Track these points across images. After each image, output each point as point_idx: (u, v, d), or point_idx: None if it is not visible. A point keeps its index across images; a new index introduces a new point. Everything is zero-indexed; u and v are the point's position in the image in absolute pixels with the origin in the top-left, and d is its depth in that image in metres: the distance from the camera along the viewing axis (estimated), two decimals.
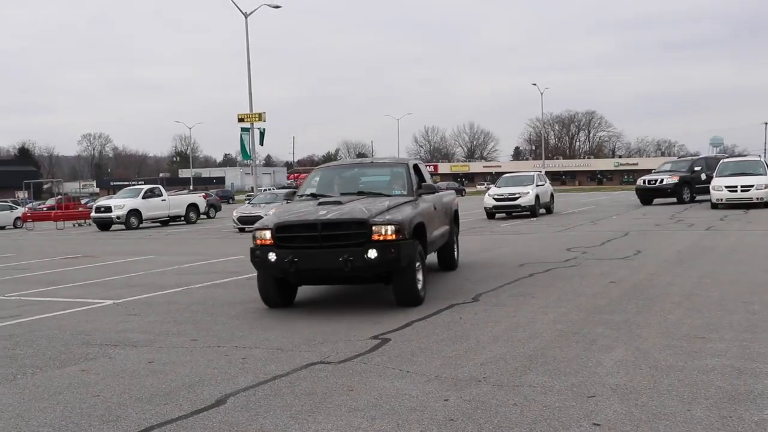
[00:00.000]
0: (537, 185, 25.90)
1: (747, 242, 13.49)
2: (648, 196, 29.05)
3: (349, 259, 7.50)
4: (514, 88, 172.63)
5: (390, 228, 7.66)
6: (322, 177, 10.14)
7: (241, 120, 36.03)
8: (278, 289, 8.32)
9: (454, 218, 11.49)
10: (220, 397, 5.00)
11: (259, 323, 7.66)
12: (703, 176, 28.12)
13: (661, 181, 28.51)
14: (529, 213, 25.12)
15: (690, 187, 28.32)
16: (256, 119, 35.87)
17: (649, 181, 29.16)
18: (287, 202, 10.09)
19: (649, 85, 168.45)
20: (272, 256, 7.82)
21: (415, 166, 10.13)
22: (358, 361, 5.78)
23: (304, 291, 9.73)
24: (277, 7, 36.14)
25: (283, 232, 7.90)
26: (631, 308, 7.46)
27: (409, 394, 4.85)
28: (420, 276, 8.16)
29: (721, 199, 23.78)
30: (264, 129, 36.26)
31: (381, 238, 7.61)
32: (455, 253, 11.36)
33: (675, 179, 28.18)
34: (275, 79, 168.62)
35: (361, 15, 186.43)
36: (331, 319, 7.62)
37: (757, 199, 23.35)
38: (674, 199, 28.24)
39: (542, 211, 26.29)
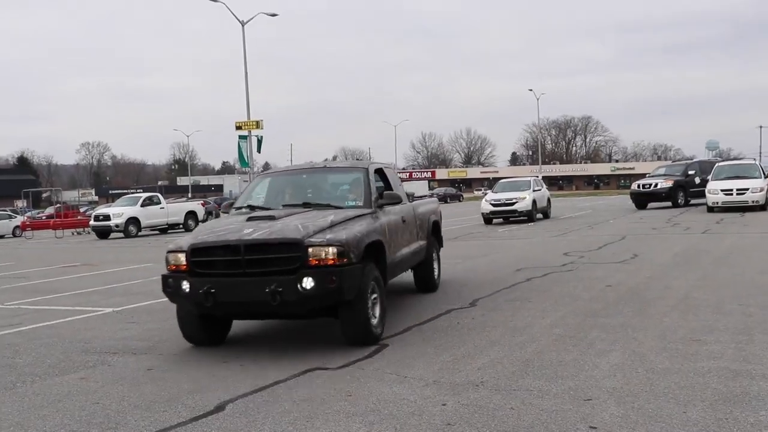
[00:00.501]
0: (534, 190, 25.96)
1: (743, 245, 13.55)
2: (642, 200, 29.09)
3: (277, 291, 6.04)
4: (510, 93, 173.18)
5: (331, 250, 6.18)
6: (265, 185, 8.68)
7: (238, 128, 36.12)
8: (203, 324, 6.87)
9: (433, 231, 9.98)
10: (219, 403, 5.02)
11: (258, 329, 7.68)
12: (697, 180, 28.27)
13: (656, 185, 28.55)
14: (526, 218, 25.18)
15: (684, 191, 28.41)
16: (254, 127, 35.96)
17: (644, 186, 29.19)
18: (216, 216, 9.14)
19: (645, 90, 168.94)
20: (186, 286, 6.40)
21: (379, 171, 8.68)
22: (357, 367, 5.81)
23: None
24: (273, 15, 36.34)
25: (200, 255, 6.47)
26: (627, 312, 7.50)
27: (407, 399, 4.88)
28: (376, 308, 6.72)
29: (717, 203, 23.89)
30: (261, 136, 36.38)
31: (319, 262, 6.15)
32: (435, 271, 9.84)
33: (669, 183, 28.23)
34: (273, 87, 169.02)
35: (358, 22, 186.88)
36: (330, 325, 7.62)
37: (753, 202, 23.45)
38: (669, 203, 28.31)
39: (539, 216, 26.30)
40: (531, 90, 75.13)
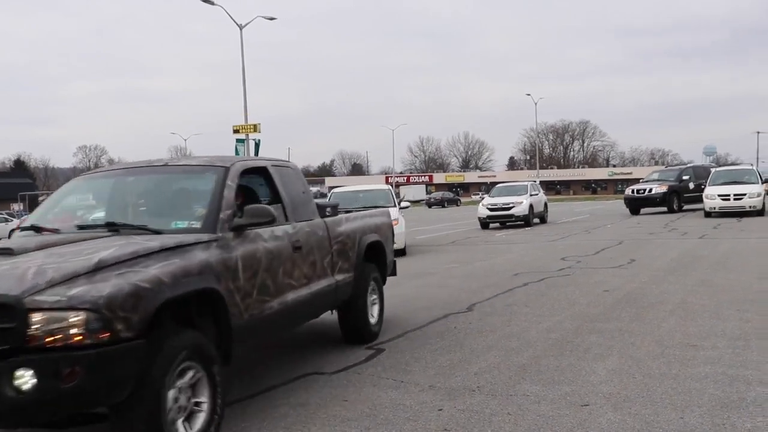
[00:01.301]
0: (531, 195, 25.89)
1: (740, 250, 13.56)
2: (637, 205, 29.06)
3: None
4: (509, 97, 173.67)
5: (73, 317, 3.49)
6: (75, 193, 5.91)
7: (236, 131, 36.04)
8: None
9: (370, 256, 7.07)
10: None
11: None
12: (692, 185, 28.23)
13: (650, 190, 28.46)
14: (523, 223, 25.14)
15: (678, 196, 28.33)
16: (252, 130, 35.90)
17: (638, 191, 29.16)
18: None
19: (642, 95, 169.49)
20: None
21: (259, 173, 5.84)
22: (353, 372, 5.79)
23: None
24: (272, 18, 36.31)
25: None
26: (624, 317, 7.49)
27: (403, 404, 4.86)
28: (197, 411, 4.08)
29: (714, 208, 23.98)
30: (259, 140, 36.25)
31: (50, 340, 3.47)
32: (370, 314, 6.96)
33: (664, 188, 28.14)
34: (271, 89, 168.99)
35: (356, 25, 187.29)
36: (325, 330, 7.61)
37: (750, 207, 23.54)
38: (663, 209, 28.22)
39: (536, 220, 26.29)
40: (529, 95, 75.17)
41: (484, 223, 25.49)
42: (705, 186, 26.28)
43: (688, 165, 34.29)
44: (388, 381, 5.45)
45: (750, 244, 14.76)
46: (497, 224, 25.63)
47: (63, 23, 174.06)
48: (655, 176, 30.76)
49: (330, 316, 7.02)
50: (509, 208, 24.85)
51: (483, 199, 28.59)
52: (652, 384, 5.02)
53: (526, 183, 27.92)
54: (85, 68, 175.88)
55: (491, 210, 25.24)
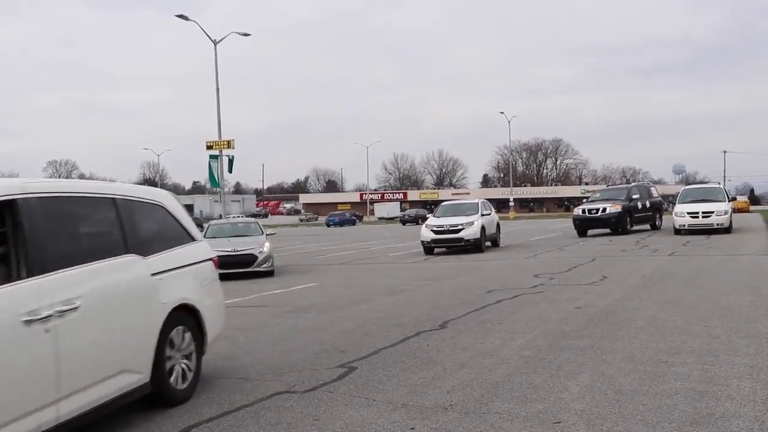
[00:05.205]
0: (482, 215, 22.30)
1: (708, 267, 13.76)
2: (587, 226, 27.03)
3: None
4: (483, 115, 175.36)
5: None
6: None
7: (209, 147, 35.80)
8: None
9: None
10: (183, 428, 4.90)
11: (225, 352, 7.55)
12: (640, 205, 27.74)
13: (604, 210, 26.54)
14: (473, 247, 21.48)
15: (630, 216, 27.09)
16: (225, 146, 35.69)
17: (590, 211, 27.10)
18: None
19: (615, 112, 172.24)
20: None
21: None
22: (324, 390, 5.73)
23: (269, 318, 9.66)
24: (246, 34, 36.31)
25: None
26: (596, 333, 7.53)
27: (375, 422, 4.81)
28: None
29: (684, 225, 24.41)
30: (233, 156, 36.05)
31: None
32: None
33: (618, 208, 26.40)
34: (245, 106, 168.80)
35: (332, 41, 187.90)
36: (298, 349, 7.55)
37: (718, 224, 23.99)
38: (610, 230, 26.67)
39: (488, 244, 22.69)
40: (502, 113, 75.71)
41: (428, 248, 21.80)
42: (649, 206, 27.15)
43: (632, 184, 33.49)
44: (360, 399, 5.40)
45: (718, 261, 14.99)
46: (443, 249, 22.17)
47: (25, 34, 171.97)
48: (598, 195, 29.46)
49: (294, 338, 6.90)
50: (458, 231, 21.35)
51: (427, 219, 24.58)
52: (624, 400, 5.04)
53: (476, 201, 24.13)
54: (46, 81, 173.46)
55: (437, 233, 21.67)
